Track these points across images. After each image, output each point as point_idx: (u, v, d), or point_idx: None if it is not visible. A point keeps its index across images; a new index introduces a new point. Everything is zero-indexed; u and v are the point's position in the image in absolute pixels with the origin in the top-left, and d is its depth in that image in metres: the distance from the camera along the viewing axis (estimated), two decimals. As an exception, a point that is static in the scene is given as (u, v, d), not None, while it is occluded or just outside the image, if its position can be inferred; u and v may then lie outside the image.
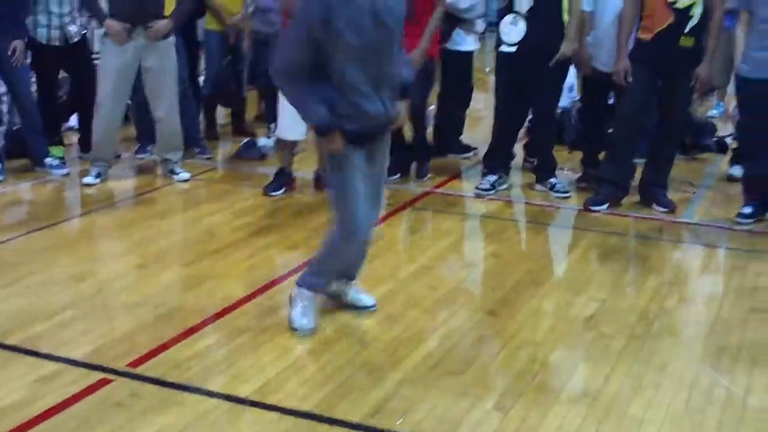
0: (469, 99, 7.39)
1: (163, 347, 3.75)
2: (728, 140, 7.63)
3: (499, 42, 6.09)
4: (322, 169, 6.12)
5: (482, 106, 8.64)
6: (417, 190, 6.33)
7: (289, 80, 3.65)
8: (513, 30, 5.95)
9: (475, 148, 7.32)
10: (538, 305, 4.37)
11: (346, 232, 3.78)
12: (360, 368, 3.61)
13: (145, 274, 4.66)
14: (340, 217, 3.79)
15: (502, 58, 6.18)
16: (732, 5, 5.88)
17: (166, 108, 6.41)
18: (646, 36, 5.69)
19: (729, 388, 3.52)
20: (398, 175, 6.47)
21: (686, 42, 5.60)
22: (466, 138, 7.46)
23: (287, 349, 3.77)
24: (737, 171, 6.54)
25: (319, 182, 6.16)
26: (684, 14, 5.55)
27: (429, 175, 6.63)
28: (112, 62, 6.19)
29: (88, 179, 6.34)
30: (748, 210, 5.70)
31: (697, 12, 5.54)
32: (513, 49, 5.97)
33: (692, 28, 5.58)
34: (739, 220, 5.67)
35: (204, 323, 4.02)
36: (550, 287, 4.64)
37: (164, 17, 6.20)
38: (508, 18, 5.96)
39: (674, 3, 5.53)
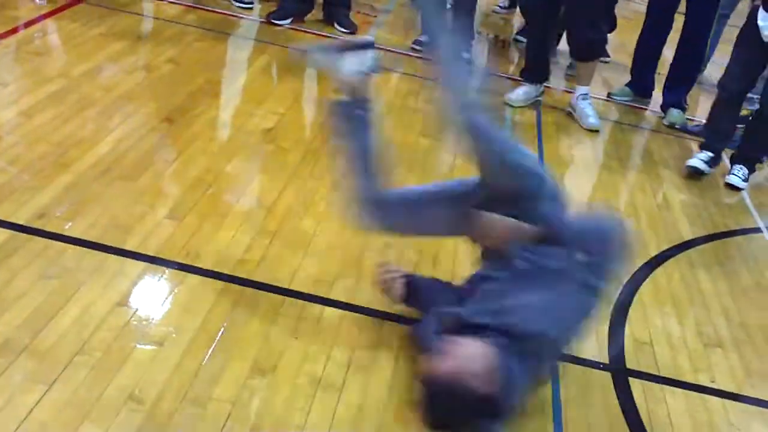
0: None
1: None
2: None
3: None
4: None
5: None
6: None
7: None
8: None
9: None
10: (215, 115, 4.30)
11: None
12: (24, 170, 3.38)
13: None
14: None
15: None
16: None
17: None
18: None
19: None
20: None
21: None
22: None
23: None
24: None
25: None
26: None
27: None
28: None
29: None
30: (424, 38, 5.87)
31: None
32: None
33: None
34: (415, 47, 5.86)
35: None
36: (228, 98, 4.57)
37: None
38: None
39: None
